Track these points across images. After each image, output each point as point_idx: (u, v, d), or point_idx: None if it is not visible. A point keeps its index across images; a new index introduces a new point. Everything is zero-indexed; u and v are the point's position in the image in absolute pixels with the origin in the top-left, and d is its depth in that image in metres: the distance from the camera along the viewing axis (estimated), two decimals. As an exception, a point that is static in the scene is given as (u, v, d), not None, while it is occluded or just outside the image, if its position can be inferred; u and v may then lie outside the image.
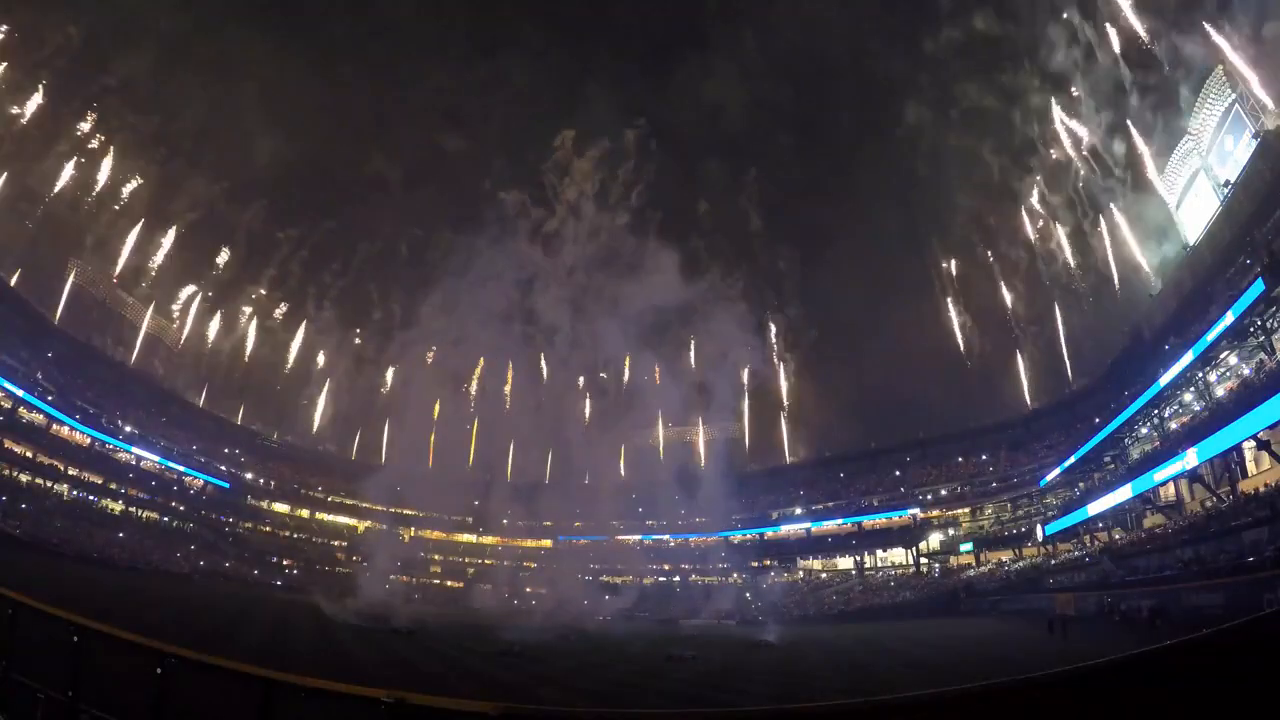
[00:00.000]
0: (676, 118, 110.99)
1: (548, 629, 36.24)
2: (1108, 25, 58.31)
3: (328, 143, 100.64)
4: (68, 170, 76.54)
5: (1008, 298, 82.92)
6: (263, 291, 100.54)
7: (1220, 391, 35.61)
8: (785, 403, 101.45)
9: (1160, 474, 36.76)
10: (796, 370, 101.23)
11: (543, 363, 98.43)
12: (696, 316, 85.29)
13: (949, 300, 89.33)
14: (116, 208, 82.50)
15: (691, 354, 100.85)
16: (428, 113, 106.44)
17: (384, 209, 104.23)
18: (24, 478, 58.66)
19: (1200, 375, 36.38)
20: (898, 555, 74.85)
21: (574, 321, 78.15)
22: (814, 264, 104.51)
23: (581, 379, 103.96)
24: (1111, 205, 62.61)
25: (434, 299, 77.55)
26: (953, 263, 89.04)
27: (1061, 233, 72.51)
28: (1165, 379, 37.97)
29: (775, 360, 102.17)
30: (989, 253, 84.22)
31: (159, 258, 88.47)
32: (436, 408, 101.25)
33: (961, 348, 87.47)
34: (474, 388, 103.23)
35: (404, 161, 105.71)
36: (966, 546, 68.12)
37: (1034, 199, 76.01)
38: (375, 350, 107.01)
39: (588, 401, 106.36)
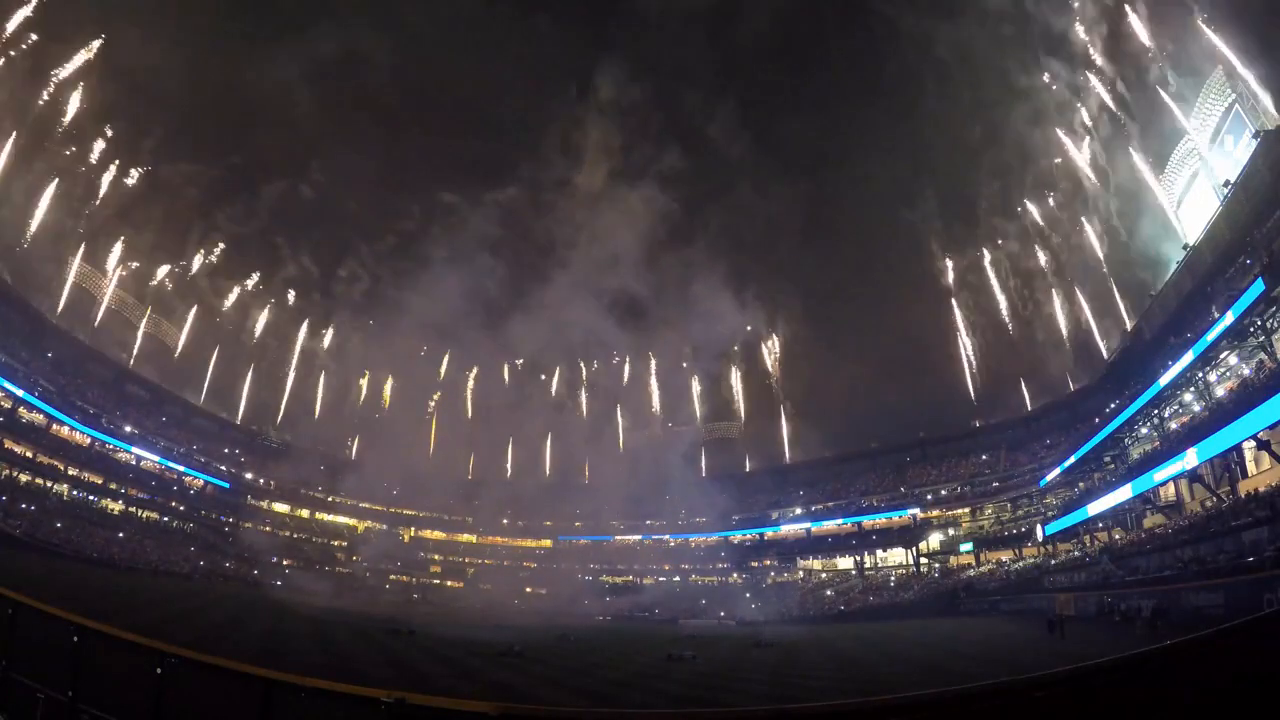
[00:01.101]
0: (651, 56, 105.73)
1: (548, 629, 36.21)
2: (1111, 19, 58.29)
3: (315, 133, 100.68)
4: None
5: (1004, 299, 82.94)
6: (256, 279, 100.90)
7: (1220, 391, 35.58)
8: (785, 402, 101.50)
9: (1160, 474, 36.70)
10: (797, 369, 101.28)
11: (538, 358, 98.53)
12: (697, 315, 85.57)
13: (951, 300, 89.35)
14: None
15: (691, 353, 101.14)
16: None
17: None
18: (24, 478, 58.57)
19: (1200, 375, 36.36)
20: (898, 555, 74.81)
21: (567, 308, 78.33)
22: (814, 262, 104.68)
23: (577, 376, 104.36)
24: (1111, 205, 62.64)
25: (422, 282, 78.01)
26: (950, 265, 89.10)
27: (1063, 232, 72.54)
28: (1165, 379, 37.96)
29: (776, 359, 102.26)
30: (989, 251, 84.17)
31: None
32: (435, 405, 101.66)
33: (962, 347, 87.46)
34: (471, 383, 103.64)
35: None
36: (966, 546, 68.09)
37: (1033, 199, 76.01)
38: (359, 345, 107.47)
39: (583, 398, 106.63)
